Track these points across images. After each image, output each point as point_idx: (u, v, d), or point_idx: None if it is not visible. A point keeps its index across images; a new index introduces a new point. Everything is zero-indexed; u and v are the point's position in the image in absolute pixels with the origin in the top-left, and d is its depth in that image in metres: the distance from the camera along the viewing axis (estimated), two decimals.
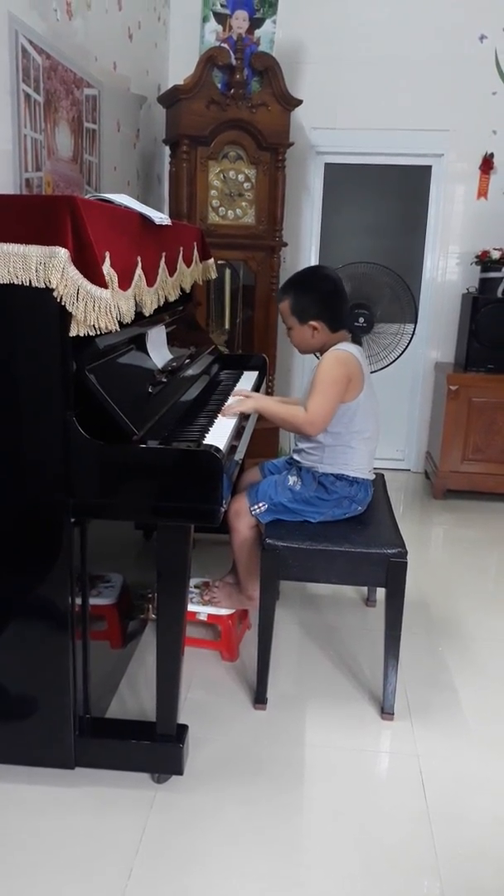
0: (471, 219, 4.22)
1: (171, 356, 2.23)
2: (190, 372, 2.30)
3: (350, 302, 3.31)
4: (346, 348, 2.18)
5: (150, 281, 1.94)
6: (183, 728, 1.87)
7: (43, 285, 1.47)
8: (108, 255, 1.58)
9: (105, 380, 1.66)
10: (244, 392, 2.38)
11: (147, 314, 1.94)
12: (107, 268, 1.57)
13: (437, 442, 4.15)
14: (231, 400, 2.29)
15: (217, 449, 1.64)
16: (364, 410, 2.19)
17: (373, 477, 2.31)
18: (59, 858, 1.62)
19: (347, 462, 2.21)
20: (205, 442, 1.83)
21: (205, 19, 3.59)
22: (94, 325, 1.53)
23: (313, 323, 2.19)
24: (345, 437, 2.20)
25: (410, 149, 4.18)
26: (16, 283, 1.48)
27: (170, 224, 2.10)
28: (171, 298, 2.22)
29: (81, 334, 1.54)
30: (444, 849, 1.69)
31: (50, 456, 1.61)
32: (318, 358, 2.23)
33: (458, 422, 3.98)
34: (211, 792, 1.83)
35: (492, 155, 4.10)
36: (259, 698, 2.18)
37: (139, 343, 2.03)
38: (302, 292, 2.20)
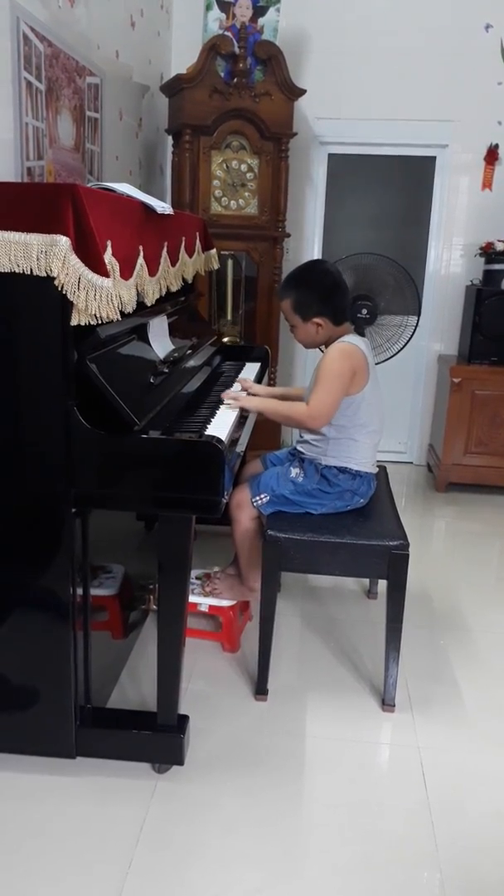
0: (475, 210, 4.20)
1: (172, 347, 2.22)
2: (192, 363, 2.29)
3: (353, 293, 3.30)
4: (351, 340, 2.17)
5: (152, 270, 1.93)
6: (184, 718, 1.87)
7: (44, 274, 1.47)
8: (109, 243, 1.57)
9: (106, 369, 1.65)
10: (247, 384, 2.38)
11: (149, 304, 1.93)
12: (108, 256, 1.56)
13: (439, 434, 4.14)
14: (235, 386, 2.28)
15: (219, 440, 1.63)
16: (369, 403, 2.18)
17: (376, 471, 2.30)
18: (59, 848, 1.63)
19: (351, 455, 2.20)
20: (207, 433, 1.83)
21: (208, 7, 3.56)
22: (95, 315, 1.52)
23: (316, 320, 2.17)
24: (349, 429, 2.18)
25: (415, 139, 4.15)
26: (17, 271, 1.47)
27: (172, 214, 2.09)
28: (174, 289, 2.21)
29: (83, 323, 1.53)
30: (445, 841, 1.69)
31: (51, 446, 1.61)
32: (322, 351, 2.22)
33: (460, 414, 3.97)
34: (211, 782, 1.84)
35: (496, 146, 4.07)
36: (260, 689, 2.18)
37: (141, 333, 2.02)
38: (303, 290, 2.17)
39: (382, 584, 2.21)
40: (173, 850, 1.64)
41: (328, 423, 2.15)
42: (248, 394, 2.30)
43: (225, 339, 3.60)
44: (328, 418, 2.13)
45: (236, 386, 2.33)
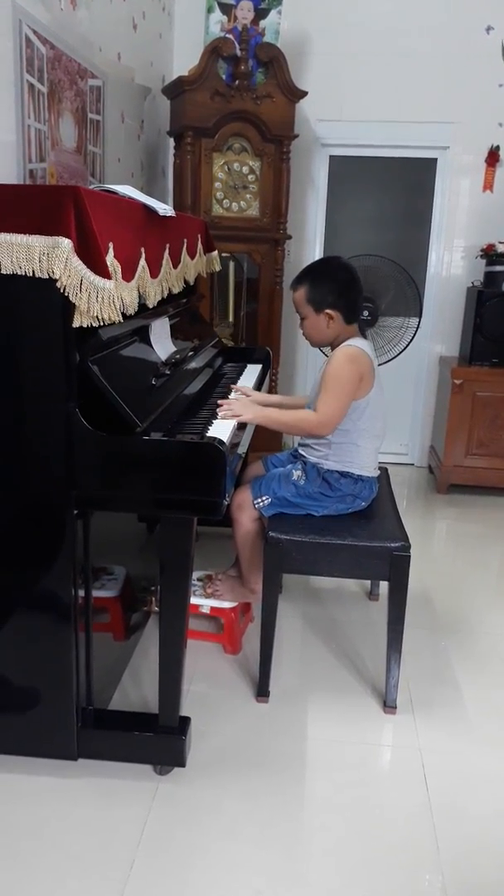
0: (476, 212, 4.20)
1: (174, 348, 2.22)
2: (193, 364, 2.30)
3: None
4: (356, 344, 2.16)
5: (154, 272, 1.93)
6: (185, 720, 1.87)
7: (46, 276, 1.47)
8: (111, 245, 1.57)
9: (108, 371, 1.65)
10: (245, 390, 2.37)
11: (151, 306, 1.93)
12: (110, 258, 1.56)
13: (440, 436, 4.14)
14: (232, 395, 2.27)
15: (220, 441, 1.63)
16: (373, 408, 2.17)
17: (378, 474, 2.30)
18: (61, 850, 1.63)
19: (353, 460, 2.20)
20: (208, 434, 1.83)
21: (209, 10, 3.57)
22: (97, 317, 1.53)
23: (329, 311, 2.15)
24: (353, 434, 2.18)
25: (416, 141, 4.15)
26: (19, 273, 1.48)
27: (174, 216, 2.09)
28: (175, 290, 2.22)
29: (84, 325, 1.53)
30: (446, 842, 1.69)
31: (53, 448, 1.61)
32: (326, 355, 2.21)
33: (462, 416, 3.97)
34: (213, 784, 1.84)
35: (497, 147, 4.07)
36: (261, 691, 2.18)
37: (143, 335, 2.02)
38: (319, 280, 2.16)
39: (384, 586, 2.21)
40: (175, 852, 1.63)
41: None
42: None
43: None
44: (337, 424, 2.12)
45: (234, 395, 2.31)
